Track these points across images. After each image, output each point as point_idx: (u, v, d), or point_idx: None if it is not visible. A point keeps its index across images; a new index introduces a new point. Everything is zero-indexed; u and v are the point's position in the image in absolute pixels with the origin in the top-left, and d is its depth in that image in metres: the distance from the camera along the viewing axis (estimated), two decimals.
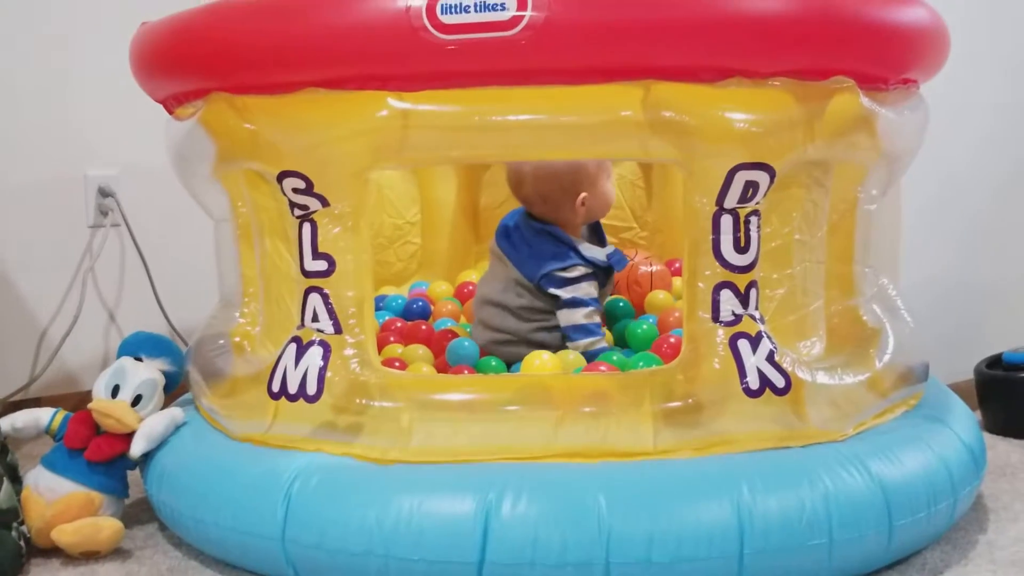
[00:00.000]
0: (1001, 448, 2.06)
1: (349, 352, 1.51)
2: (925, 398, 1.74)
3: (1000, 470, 1.92)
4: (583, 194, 1.83)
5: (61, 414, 1.70)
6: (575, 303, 1.80)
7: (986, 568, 1.49)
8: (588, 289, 1.82)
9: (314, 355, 1.52)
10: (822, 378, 1.51)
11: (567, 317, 1.80)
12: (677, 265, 2.18)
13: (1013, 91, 2.39)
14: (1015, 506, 1.74)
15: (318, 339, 1.52)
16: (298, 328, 1.55)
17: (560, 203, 1.83)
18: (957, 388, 1.94)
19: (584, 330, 1.79)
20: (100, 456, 1.64)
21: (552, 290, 1.81)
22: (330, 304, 1.51)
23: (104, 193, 2.30)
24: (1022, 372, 2.14)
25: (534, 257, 1.83)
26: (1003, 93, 2.37)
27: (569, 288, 1.80)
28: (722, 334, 1.47)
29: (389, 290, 2.26)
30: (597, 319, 1.82)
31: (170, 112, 1.74)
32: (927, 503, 1.46)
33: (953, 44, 1.68)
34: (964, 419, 1.68)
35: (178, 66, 1.60)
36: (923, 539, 1.51)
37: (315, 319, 1.52)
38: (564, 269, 1.81)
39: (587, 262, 1.82)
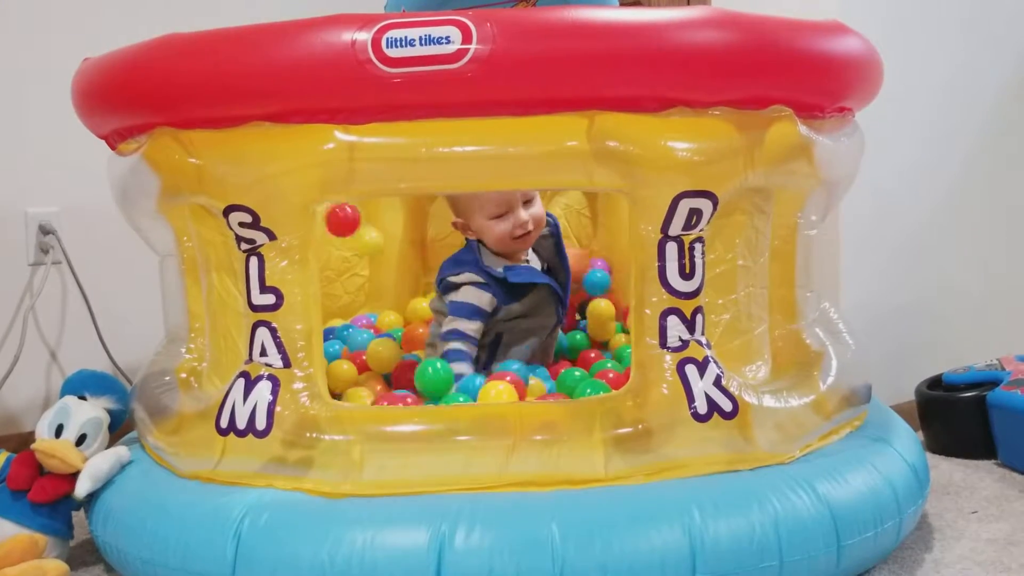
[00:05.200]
0: (944, 467, 2.09)
1: (298, 386, 1.50)
2: (869, 419, 1.77)
3: (943, 489, 1.95)
4: (470, 221, 1.85)
5: (3, 455, 1.67)
6: (453, 310, 1.82)
7: None
8: (473, 294, 1.82)
9: (263, 389, 1.50)
10: (768, 401, 1.53)
11: (446, 323, 1.83)
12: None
13: (945, 114, 2.44)
14: (959, 524, 1.77)
15: (267, 373, 1.51)
16: (246, 363, 1.54)
17: (468, 220, 1.86)
18: (899, 409, 1.97)
19: (446, 336, 1.81)
20: (44, 497, 1.62)
21: (445, 295, 1.86)
22: (278, 338, 1.51)
23: (45, 230, 2.26)
24: (962, 392, 2.18)
25: (444, 265, 1.90)
26: (935, 116, 2.42)
27: (455, 293, 1.84)
28: (670, 360, 1.48)
29: (337, 323, 2.25)
30: (465, 327, 1.80)
31: (112, 148, 1.73)
32: (874, 523, 1.48)
33: (888, 69, 1.72)
34: (907, 439, 1.71)
35: (122, 101, 1.59)
36: (871, 558, 1.53)
37: (263, 353, 1.52)
38: (455, 275, 1.85)
39: (482, 271, 1.84)
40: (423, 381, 1.68)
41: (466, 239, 1.91)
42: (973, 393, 2.15)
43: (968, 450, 2.16)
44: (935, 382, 2.27)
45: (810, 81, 1.54)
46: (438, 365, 1.69)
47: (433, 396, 1.67)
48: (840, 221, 1.89)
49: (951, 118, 2.46)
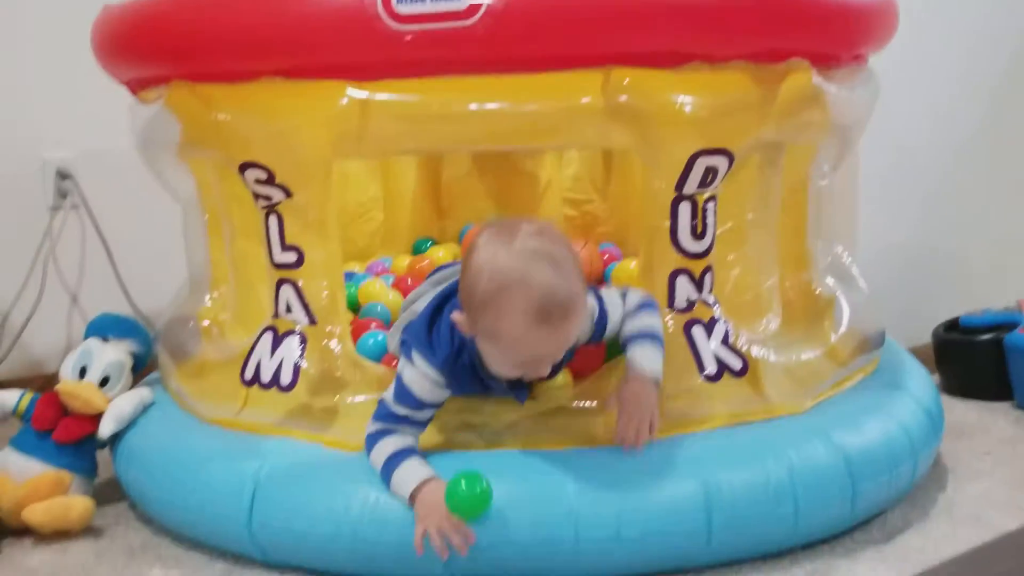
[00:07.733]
0: (959, 409, 2.09)
1: (324, 342, 1.51)
2: (883, 363, 1.77)
3: (959, 430, 1.95)
4: (477, 338, 1.33)
5: (28, 396, 1.69)
6: (397, 390, 1.40)
7: (945, 525, 1.53)
8: (426, 389, 1.39)
9: (290, 346, 1.51)
10: (779, 355, 1.52)
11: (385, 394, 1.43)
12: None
13: (965, 59, 2.40)
14: (973, 465, 1.77)
15: (293, 330, 1.52)
16: (273, 318, 1.54)
17: (473, 329, 1.32)
18: (916, 352, 1.96)
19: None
20: (68, 437, 1.65)
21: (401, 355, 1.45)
22: (302, 295, 1.51)
23: (62, 175, 2.27)
24: (979, 335, 2.17)
25: (418, 323, 1.44)
26: (955, 61, 2.38)
27: (408, 369, 1.40)
28: (676, 321, 1.48)
29: (353, 266, 2.25)
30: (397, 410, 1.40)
31: (134, 94, 1.71)
32: (888, 467, 1.48)
33: (906, 15, 1.69)
34: (921, 383, 1.71)
35: (139, 53, 1.58)
36: (885, 501, 1.53)
37: (288, 310, 1.52)
38: (421, 355, 1.39)
39: (453, 374, 1.39)
40: (455, 501, 1.31)
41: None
42: (990, 336, 2.15)
43: (984, 392, 2.15)
44: (952, 325, 2.26)
45: (828, 31, 1.51)
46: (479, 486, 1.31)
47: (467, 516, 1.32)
48: (858, 165, 1.87)
49: (971, 59, 2.41)
